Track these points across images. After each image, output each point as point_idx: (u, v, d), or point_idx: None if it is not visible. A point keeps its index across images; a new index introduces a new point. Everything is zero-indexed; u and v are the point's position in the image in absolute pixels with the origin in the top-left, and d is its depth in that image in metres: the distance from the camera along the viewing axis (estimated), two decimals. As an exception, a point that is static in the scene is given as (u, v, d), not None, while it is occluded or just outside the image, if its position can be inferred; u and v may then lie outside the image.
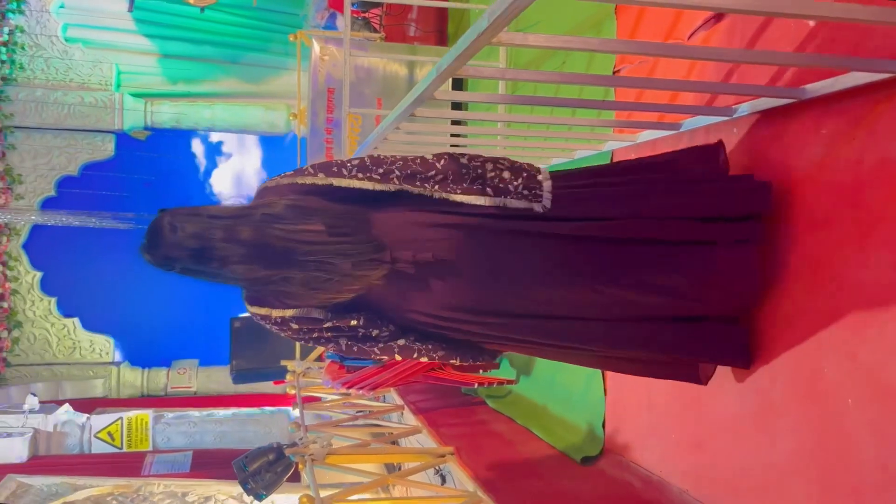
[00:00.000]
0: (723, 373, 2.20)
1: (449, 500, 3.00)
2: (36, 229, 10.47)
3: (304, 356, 6.25)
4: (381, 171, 1.93)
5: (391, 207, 1.94)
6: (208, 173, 17.89)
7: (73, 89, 10.15)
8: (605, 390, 3.05)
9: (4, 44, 9.81)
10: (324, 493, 2.73)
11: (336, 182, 1.92)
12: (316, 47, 5.60)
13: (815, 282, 1.85)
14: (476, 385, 4.27)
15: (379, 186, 1.92)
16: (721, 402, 2.22)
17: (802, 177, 1.90)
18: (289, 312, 1.93)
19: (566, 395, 3.50)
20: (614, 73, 3.09)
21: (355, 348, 2.00)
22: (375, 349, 2.00)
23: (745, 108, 2.06)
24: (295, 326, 1.96)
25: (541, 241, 1.91)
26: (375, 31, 6.47)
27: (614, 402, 2.98)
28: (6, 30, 9.80)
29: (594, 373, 3.12)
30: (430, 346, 2.01)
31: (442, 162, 1.95)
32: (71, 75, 10.19)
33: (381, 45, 5.94)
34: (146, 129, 10.52)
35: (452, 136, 5.08)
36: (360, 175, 1.93)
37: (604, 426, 3.04)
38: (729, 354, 2.04)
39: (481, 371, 4.66)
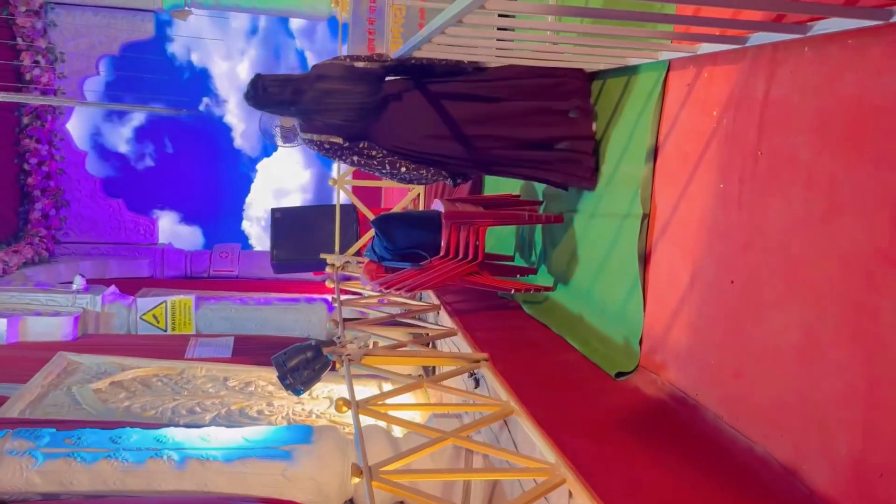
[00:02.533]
0: (767, 301, 2.15)
1: (482, 408, 3.06)
2: (81, 108, 10.53)
3: (343, 250, 6.32)
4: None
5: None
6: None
7: (113, -35, 9.94)
8: (644, 305, 3.02)
9: (43, -86, 9.57)
10: (359, 397, 2.80)
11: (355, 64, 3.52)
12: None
13: None
14: (513, 290, 4.27)
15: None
16: (764, 331, 2.17)
17: (879, 107, 1.77)
18: (322, 137, 3.49)
19: (603, 307, 3.48)
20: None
21: (363, 162, 3.58)
22: (375, 163, 3.58)
23: (823, 26, 1.90)
24: (326, 147, 3.52)
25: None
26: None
27: (653, 319, 2.96)
28: None
29: (633, 286, 3.09)
30: (418, 166, 3.62)
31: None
32: (111, -50, 9.96)
33: None
34: (186, 8, 10.31)
35: (499, 41, 4.88)
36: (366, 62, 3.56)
37: (640, 343, 3.03)
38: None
39: (518, 276, 4.67)
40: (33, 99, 8.22)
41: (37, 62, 9.71)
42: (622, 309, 3.23)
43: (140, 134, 15.74)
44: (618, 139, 3.39)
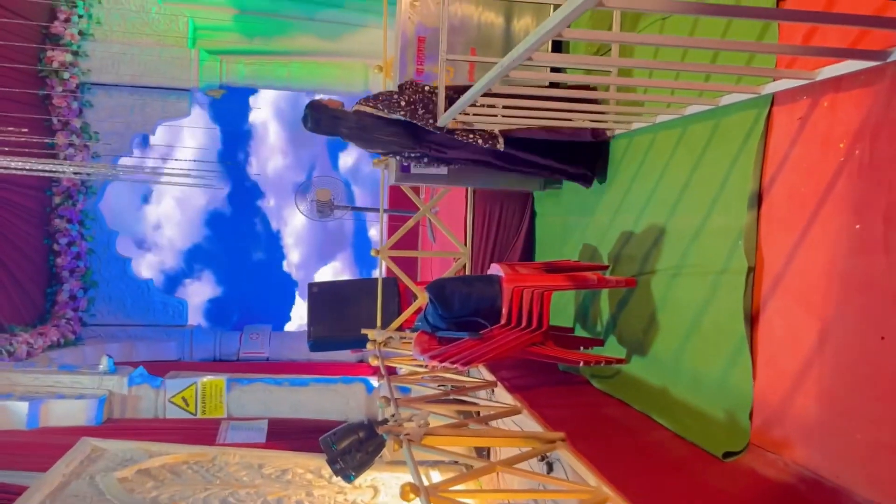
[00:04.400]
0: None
1: (564, 495, 2.67)
2: (112, 188, 10.54)
3: (385, 325, 6.00)
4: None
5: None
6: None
7: (149, 45, 10.08)
8: (753, 373, 2.65)
9: (82, -3, 9.80)
10: (428, 480, 2.43)
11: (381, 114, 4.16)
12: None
13: None
14: (581, 363, 3.90)
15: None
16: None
17: None
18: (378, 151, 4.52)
19: (696, 377, 3.11)
20: (779, 3, 2.63)
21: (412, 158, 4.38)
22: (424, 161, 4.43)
23: None
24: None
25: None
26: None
27: (767, 388, 2.58)
28: (84, -18, 9.78)
29: (738, 351, 2.73)
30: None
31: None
32: (147, 30, 10.12)
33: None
34: (221, 87, 10.40)
35: (552, 85, 4.66)
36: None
37: (751, 416, 2.64)
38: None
39: (581, 347, 4.31)
40: (70, 166, 8.18)
41: (71, 142, 9.76)
42: (723, 378, 2.86)
43: (175, 212, 15.86)
44: (705, 189, 3.09)
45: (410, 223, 6.24)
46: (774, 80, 2.53)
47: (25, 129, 7.98)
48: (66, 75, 9.63)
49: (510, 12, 5.35)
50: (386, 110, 4.12)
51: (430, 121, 4.07)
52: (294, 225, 17.60)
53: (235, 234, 16.68)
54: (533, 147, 4.30)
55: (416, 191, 6.98)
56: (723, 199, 2.93)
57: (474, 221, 6.04)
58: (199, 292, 17.01)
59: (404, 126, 4.14)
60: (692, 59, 3.18)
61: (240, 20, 10.29)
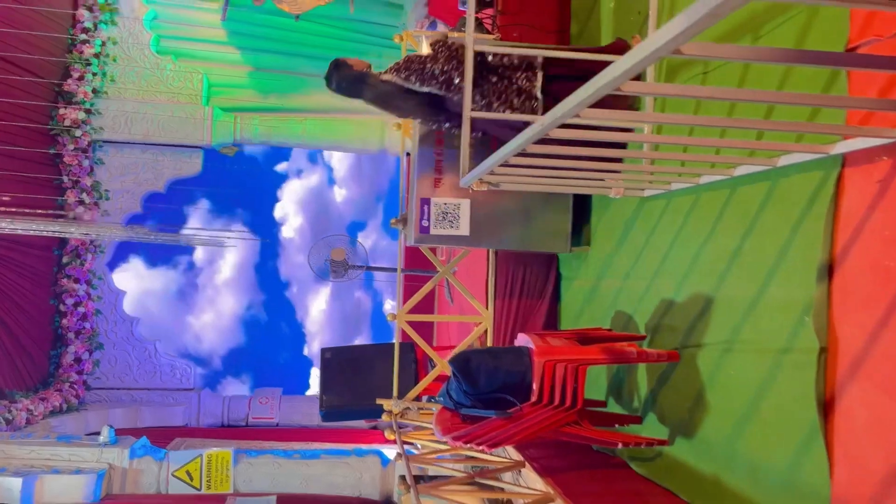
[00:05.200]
0: None
1: None
2: (121, 247, 10.40)
3: (402, 394, 5.69)
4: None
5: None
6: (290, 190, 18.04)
7: (162, 103, 10.04)
8: (830, 469, 2.33)
9: (97, 55, 9.79)
10: None
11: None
12: (425, 48, 5.09)
13: None
14: (619, 444, 3.59)
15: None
16: None
17: None
18: (398, 115, 4.38)
19: (754, 468, 2.79)
20: (849, 49, 2.39)
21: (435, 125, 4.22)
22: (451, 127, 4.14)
23: None
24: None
25: None
26: (488, 32, 5.93)
27: (849, 488, 2.26)
28: (98, 41, 9.78)
29: (809, 442, 2.42)
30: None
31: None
32: (161, 88, 10.10)
33: (496, 45, 5.38)
34: (235, 144, 10.32)
35: (576, 159, 4.44)
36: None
37: (828, 520, 2.32)
38: None
39: (616, 425, 4.00)
40: (77, 228, 8.03)
41: (81, 201, 9.65)
42: (790, 472, 2.54)
43: (182, 272, 15.82)
44: (760, 256, 2.82)
45: (429, 286, 5.98)
46: (845, 139, 2.28)
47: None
48: (77, 133, 9.57)
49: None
50: (418, 83, 3.94)
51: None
52: (314, 312, 17.76)
53: (266, 337, 16.85)
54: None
55: (434, 251, 6.75)
56: (783, 269, 2.65)
57: (496, 284, 5.76)
58: (209, 354, 16.85)
59: (433, 97, 3.98)
60: (742, 115, 2.95)
61: (255, 77, 10.26)
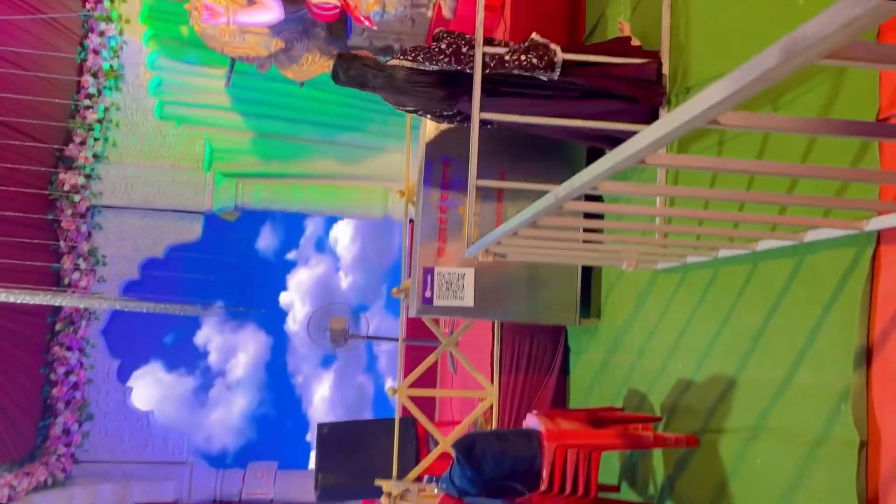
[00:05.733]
0: None
1: None
2: (115, 314, 10.20)
3: (402, 475, 5.43)
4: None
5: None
6: (293, 260, 18.04)
7: (163, 168, 10.01)
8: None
9: (99, 121, 9.80)
10: None
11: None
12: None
13: None
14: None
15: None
16: None
17: None
18: (409, 108, 4.07)
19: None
20: (880, 120, 2.27)
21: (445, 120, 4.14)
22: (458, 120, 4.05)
23: None
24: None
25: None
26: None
27: None
28: (102, 107, 9.81)
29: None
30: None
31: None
32: (163, 153, 10.08)
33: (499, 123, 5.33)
34: (236, 209, 10.23)
35: (586, 230, 4.32)
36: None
37: None
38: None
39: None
40: (67, 298, 7.87)
41: (77, 266, 9.52)
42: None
43: (177, 341, 15.67)
44: (787, 338, 2.65)
45: (431, 358, 5.79)
46: (879, 215, 2.14)
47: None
48: (76, 198, 9.50)
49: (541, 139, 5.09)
50: (427, 62, 3.82)
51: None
52: (317, 400, 17.66)
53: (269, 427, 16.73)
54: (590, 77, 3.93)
55: (437, 321, 6.56)
56: (814, 352, 2.48)
57: (501, 357, 5.57)
58: (203, 426, 16.57)
59: (441, 79, 3.85)
60: (763, 187, 2.82)
61: (258, 143, 10.25)
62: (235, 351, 17.01)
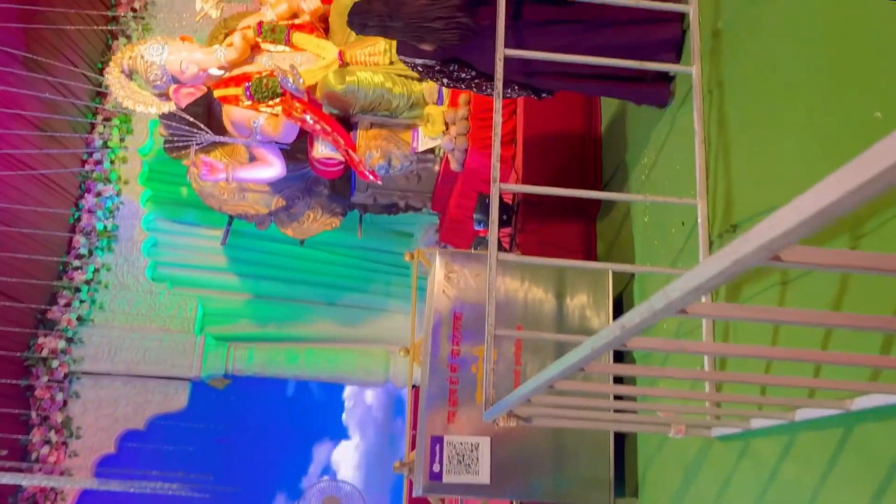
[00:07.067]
0: None
1: None
2: (86, 494, 9.36)
3: None
4: None
5: None
6: (290, 431, 17.16)
7: (151, 331, 9.54)
8: None
9: (88, 282, 9.47)
10: None
11: None
12: (439, 265, 4.65)
13: None
14: None
15: None
16: None
17: None
18: (418, 61, 4.00)
19: None
20: None
21: (451, 84, 4.12)
22: (463, 85, 4.08)
23: None
24: (420, 69, 4.05)
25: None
26: (506, 251, 5.55)
27: None
28: (92, 267, 9.51)
29: None
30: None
31: None
32: (152, 315, 9.65)
33: (517, 263, 4.97)
34: (226, 377, 9.67)
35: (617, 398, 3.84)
36: None
37: None
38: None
39: None
40: (27, 478, 7.14)
41: (47, 440, 8.82)
42: None
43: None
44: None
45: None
46: None
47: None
48: (54, 364, 8.97)
49: (562, 287, 4.69)
50: None
51: None
52: None
53: None
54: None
55: (444, 502, 5.88)
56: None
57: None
58: None
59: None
60: (846, 344, 2.34)
61: (254, 304, 9.89)
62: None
